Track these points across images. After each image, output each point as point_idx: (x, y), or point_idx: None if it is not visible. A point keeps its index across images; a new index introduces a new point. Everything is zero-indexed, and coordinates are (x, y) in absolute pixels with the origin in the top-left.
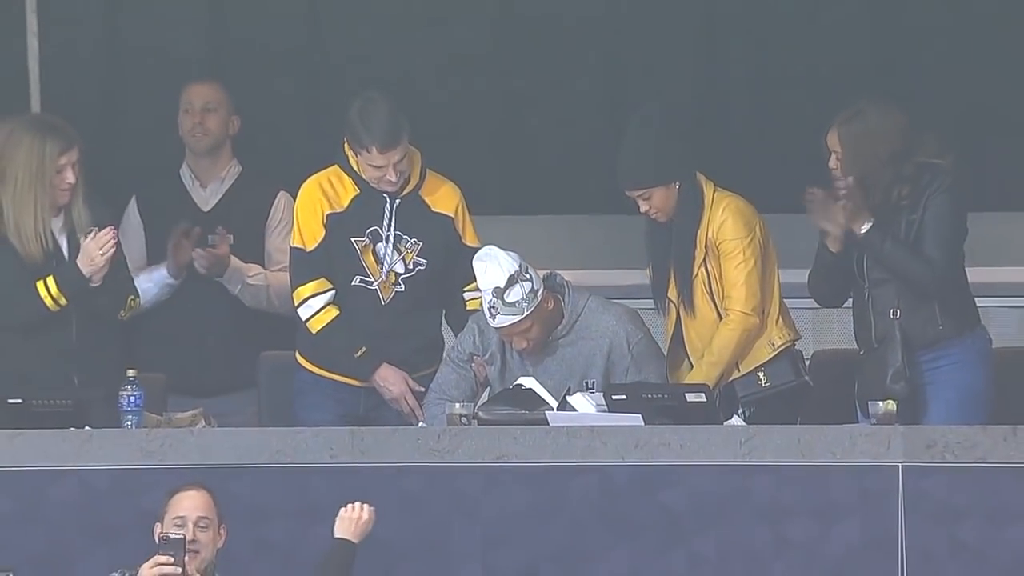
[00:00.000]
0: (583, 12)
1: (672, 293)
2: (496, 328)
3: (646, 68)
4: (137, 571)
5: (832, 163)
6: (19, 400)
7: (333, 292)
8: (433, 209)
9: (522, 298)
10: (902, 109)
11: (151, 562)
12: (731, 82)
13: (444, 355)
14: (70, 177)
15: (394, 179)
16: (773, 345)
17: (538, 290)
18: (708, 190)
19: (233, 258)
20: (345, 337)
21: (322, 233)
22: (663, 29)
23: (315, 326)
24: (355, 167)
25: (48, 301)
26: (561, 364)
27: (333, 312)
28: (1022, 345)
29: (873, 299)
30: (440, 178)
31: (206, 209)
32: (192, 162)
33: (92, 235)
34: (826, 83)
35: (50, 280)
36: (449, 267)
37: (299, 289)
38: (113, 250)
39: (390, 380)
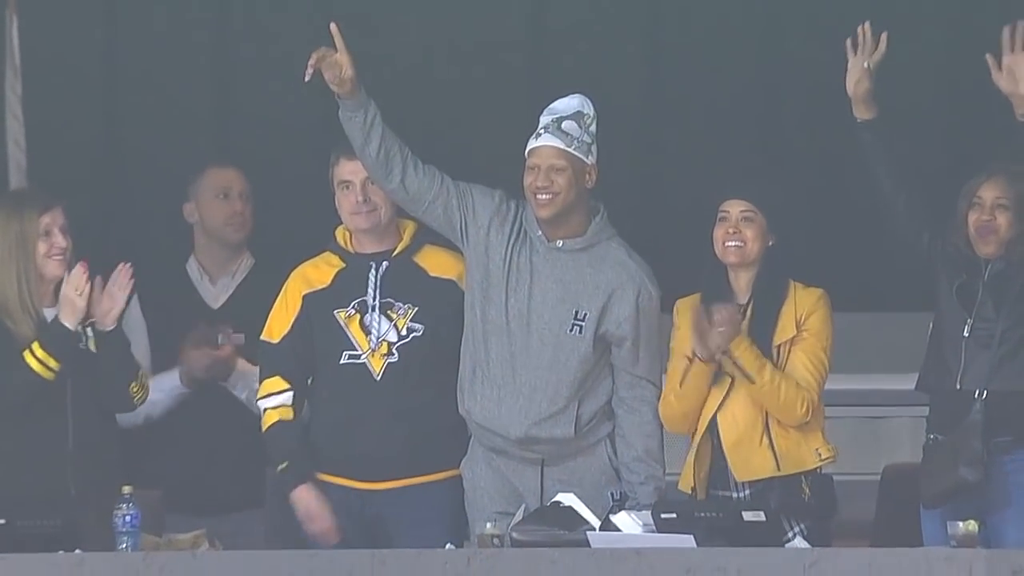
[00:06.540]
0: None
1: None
2: (534, 148)
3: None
4: None
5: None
6: (2, 521)
7: (290, 394)
8: (431, 274)
9: (576, 137)
10: None
11: None
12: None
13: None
14: (60, 240)
15: (363, 200)
16: (820, 456)
17: (590, 153)
18: (792, 282)
19: (240, 360)
20: (282, 447)
21: (288, 326)
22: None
23: (263, 425)
24: (344, 244)
25: (39, 368)
26: (559, 282)
27: (275, 417)
28: None
29: (964, 366)
30: (441, 248)
31: (215, 306)
32: (204, 255)
33: (65, 281)
34: None
35: (35, 346)
36: (452, 336)
37: (263, 383)
38: (89, 286)
39: (305, 507)
